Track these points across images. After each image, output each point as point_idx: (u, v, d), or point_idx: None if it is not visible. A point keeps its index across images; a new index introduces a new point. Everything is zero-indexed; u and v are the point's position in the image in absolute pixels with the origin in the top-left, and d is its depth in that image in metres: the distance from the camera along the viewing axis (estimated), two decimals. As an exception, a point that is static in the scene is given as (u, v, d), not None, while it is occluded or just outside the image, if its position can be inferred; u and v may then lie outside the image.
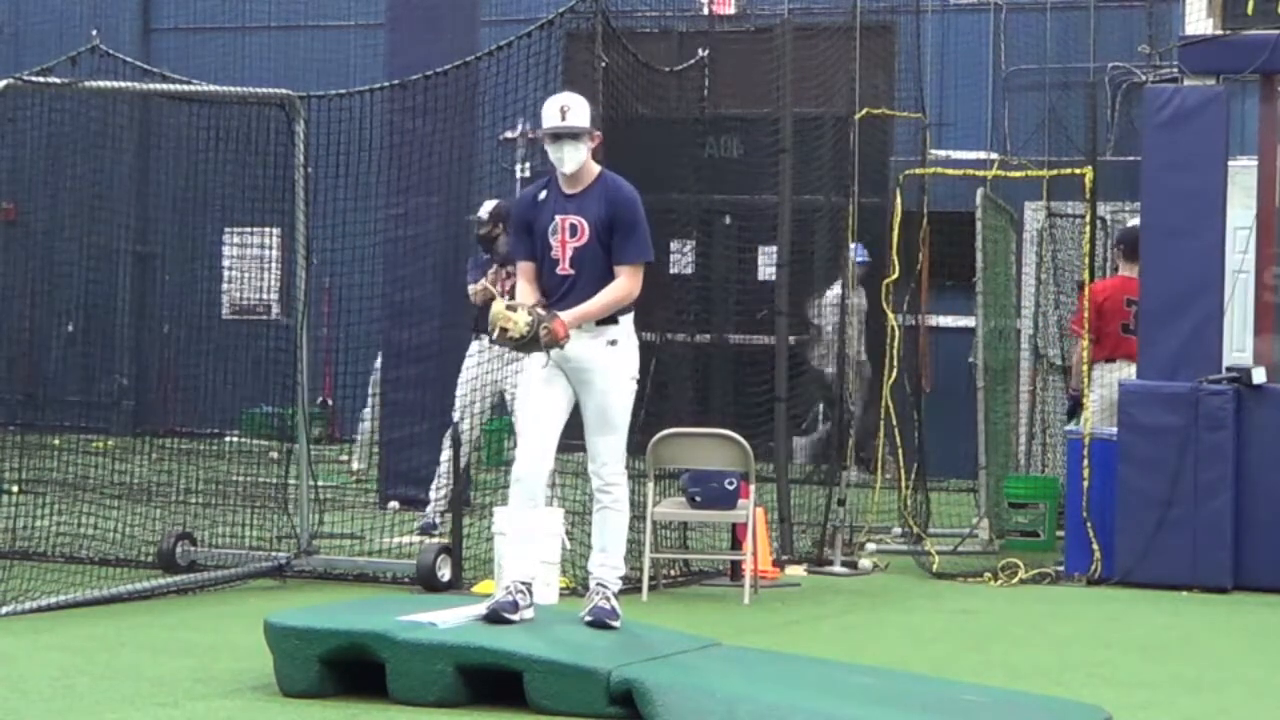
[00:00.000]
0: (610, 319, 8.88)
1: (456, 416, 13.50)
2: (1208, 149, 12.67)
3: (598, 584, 8.87)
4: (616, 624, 8.73)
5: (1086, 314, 13.48)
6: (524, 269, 9.11)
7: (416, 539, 13.21)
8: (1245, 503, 12.38)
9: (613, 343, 8.88)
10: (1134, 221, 14.69)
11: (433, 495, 13.77)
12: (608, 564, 8.94)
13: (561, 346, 8.75)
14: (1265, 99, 13.27)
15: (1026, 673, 9.50)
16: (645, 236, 8.97)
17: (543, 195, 9.04)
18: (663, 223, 15.39)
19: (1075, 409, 13.97)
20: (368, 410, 17.38)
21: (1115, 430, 12.89)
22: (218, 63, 21.40)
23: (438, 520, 13.51)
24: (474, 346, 13.87)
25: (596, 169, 9.04)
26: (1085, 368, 13.50)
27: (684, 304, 14.55)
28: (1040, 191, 17.60)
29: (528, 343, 8.76)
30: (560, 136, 8.95)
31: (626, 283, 8.85)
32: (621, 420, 8.93)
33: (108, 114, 15.48)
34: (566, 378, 8.89)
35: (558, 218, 8.91)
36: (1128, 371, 13.27)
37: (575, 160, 8.94)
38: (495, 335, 8.83)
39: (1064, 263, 17.30)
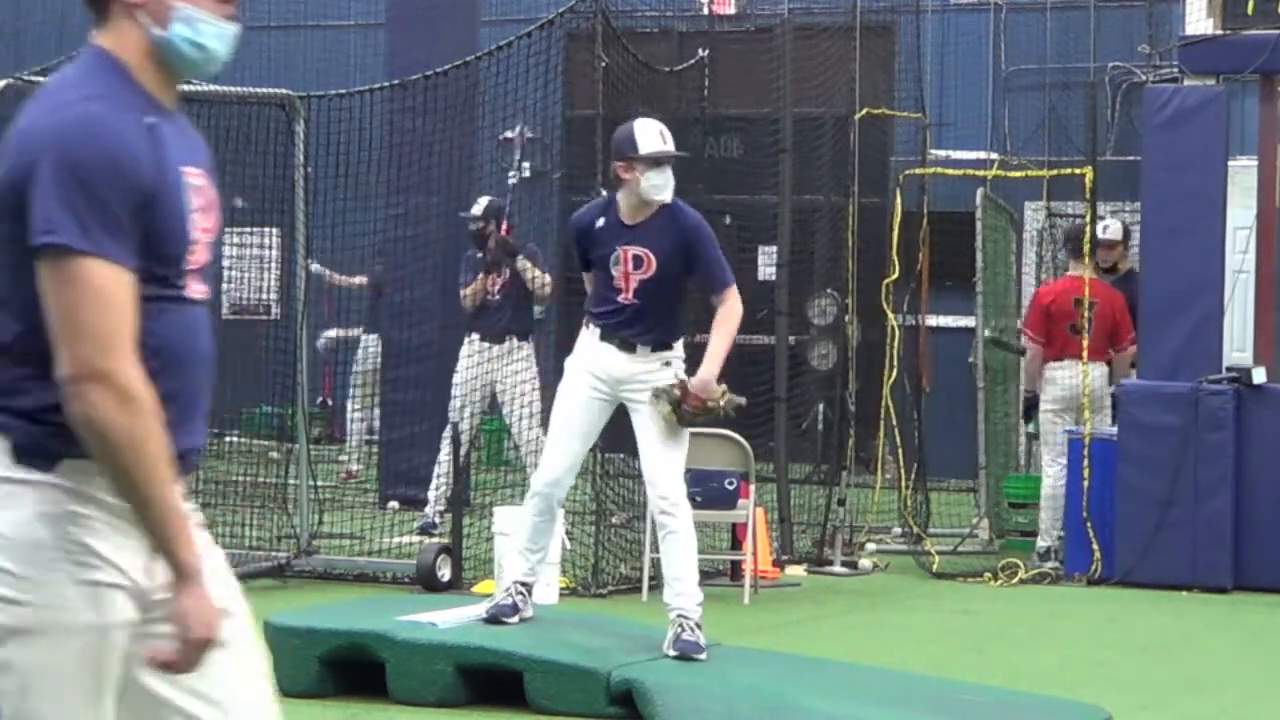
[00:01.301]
0: (666, 343, 8.74)
1: (453, 417, 13.51)
2: (1208, 149, 12.67)
3: (678, 615, 8.46)
4: (703, 656, 8.36)
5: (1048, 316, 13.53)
6: (589, 278, 8.96)
7: (416, 539, 13.21)
8: (1245, 503, 12.38)
9: (667, 364, 8.71)
10: (1130, 221, 14.71)
11: (431, 495, 13.78)
12: (684, 592, 8.52)
13: (721, 408, 8.71)
14: (1265, 99, 13.27)
15: (1026, 673, 9.50)
16: (722, 257, 8.89)
17: (601, 222, 8.81)
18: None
19: (1030, 410, 13.97)
20: (349, 402, 17.33)
21: (1115, 430, 12.90)
22: (218, 63, 21.37)
23: (437, 520, 13.51)
24: (466, 347, 13.86)
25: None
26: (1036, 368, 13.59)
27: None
28: (1040, 191, 17.62)
29: (686, 420, 8.69)
30: (662, 162, 8.74)
31: (736, 306, 8.74)
32: (680, 442, 8.68)
33: (108, 114, 15.49)
34: (609, 399, 8.74)
35: (619, 248, 8.70)
36: (1076, 370, 13.27)
37: (668, 191, 8.75)
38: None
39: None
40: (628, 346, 8.70)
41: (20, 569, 3.43)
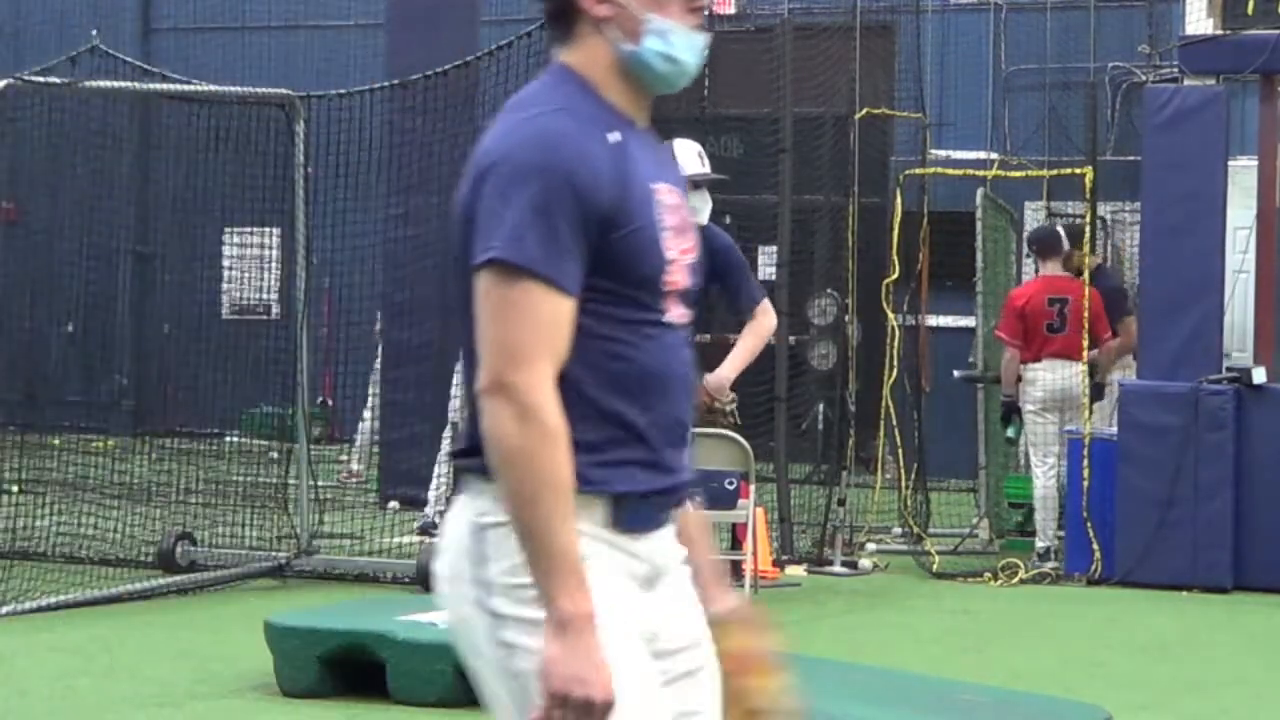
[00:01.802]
0: None
1: (453, 417, 13.51)
2: (1208, 149, 12.67)
3: None
4: None
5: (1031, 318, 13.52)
6: None
7: (416, 539, 13.21)
8: (1245, 503, 12.38)
9: None
10: (1131, 221, 14.70)
11: (431, 495, 13.77)
12: None
13: (726, 414, 8.65)
14: (1265, 99, 13.27)
15: (1026, 673, 9.50)
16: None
17: None
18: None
19: (1009, 416, 13.86)
20: (368, 411, 17.38)
21: (1115, 430, 12.91)
22: (218, 63, 21.40)
23: (438, 520, 13.51)
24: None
25: None
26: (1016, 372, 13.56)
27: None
28: (1040, 191, 17.63)
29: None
30: (700, 184, 8.68)
31: (772, 318, 8.73)
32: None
33: (108, 114, 15.51)
34: None
35: None
36: (1056, 369, 13.27)
37: (709, 210, 8.69)
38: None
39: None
40: None
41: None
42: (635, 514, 3.42)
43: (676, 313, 3.46)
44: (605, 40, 3.43)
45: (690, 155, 8.67)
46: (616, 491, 3.38)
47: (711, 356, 16.18)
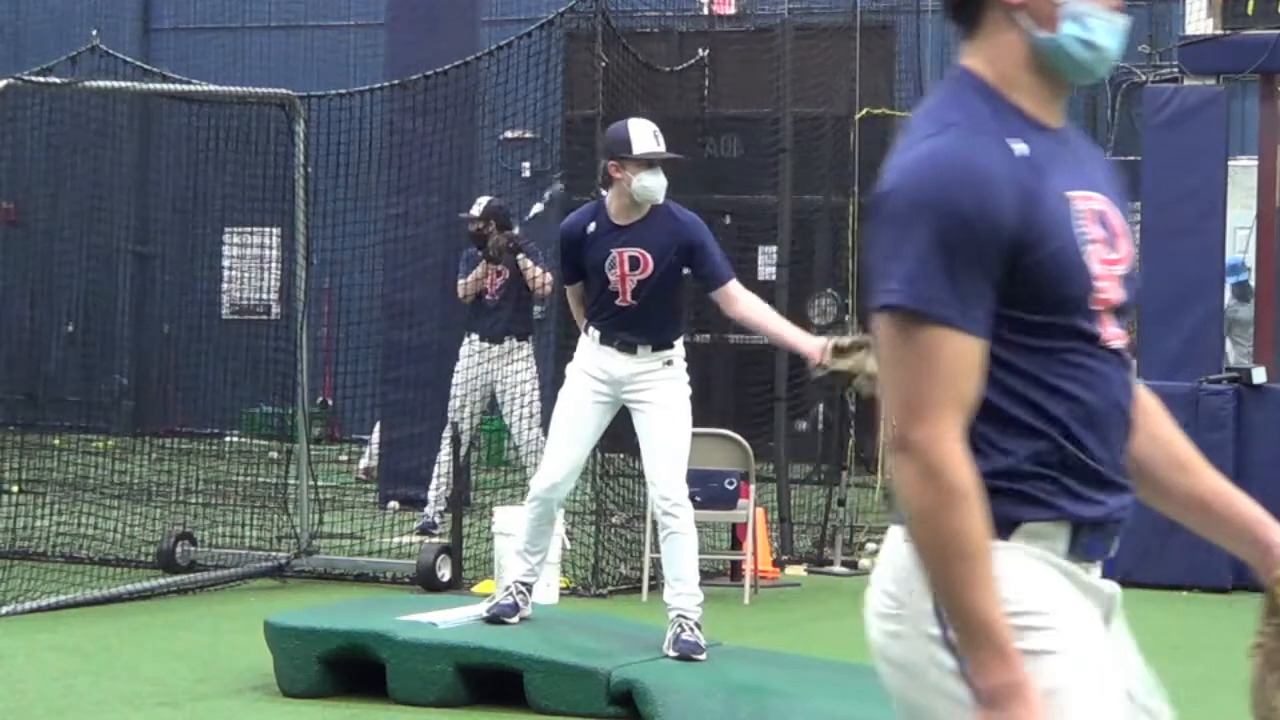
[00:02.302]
0: (666, 342, 8.71)
1: (453, 417, 13.50)
2: (1208, 149, 12.67)
3: (678, 615, 8.45)
4: (702, 656, 8.35)
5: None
6: (572, 291, 8.93)
7: (416, 539, 13.21)
8: (1245, 503, 12.36)
9: (669, 363, 8.68)
10: (1131, 221, 14.68)
11: (431, 495, 13.77)
12: (684, 592, 8.52)
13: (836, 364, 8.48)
14: (1265, 99, 13.27)
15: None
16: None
17: (592, 227, 8.75)
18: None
19: None
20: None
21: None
22: (218, 63, 21.40)
23: (437, 520, 13.51)
24: (465, 347, 13.84)
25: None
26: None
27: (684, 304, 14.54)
28: (1040, 191, 17.58)
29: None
30: (655, 163, 8.71)
31: (747, 296, 8.74)
32: (682, 442, 8.64)
33: (108, 114, 15.51)
34: (612, 401, 8.70)
35: (614, 251, 8.65)
36: None
37: (660, 191, 8.73)
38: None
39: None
40: (628, 348, 8.67)
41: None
42: (1091, 542, 3.28)
43: (1110, 333, 3.20)
44: (1018, 29, 3.15)
45: (645, 134, 8.70)
46: (1075, 518, 3.22)
47: (710, 356, 16.21)
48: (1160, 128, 12.81)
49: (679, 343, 8.82)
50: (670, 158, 8.88)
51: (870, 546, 13.90)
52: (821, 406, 16.51)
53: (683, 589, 8.53)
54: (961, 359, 3.03)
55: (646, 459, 8.69)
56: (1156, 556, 12.39)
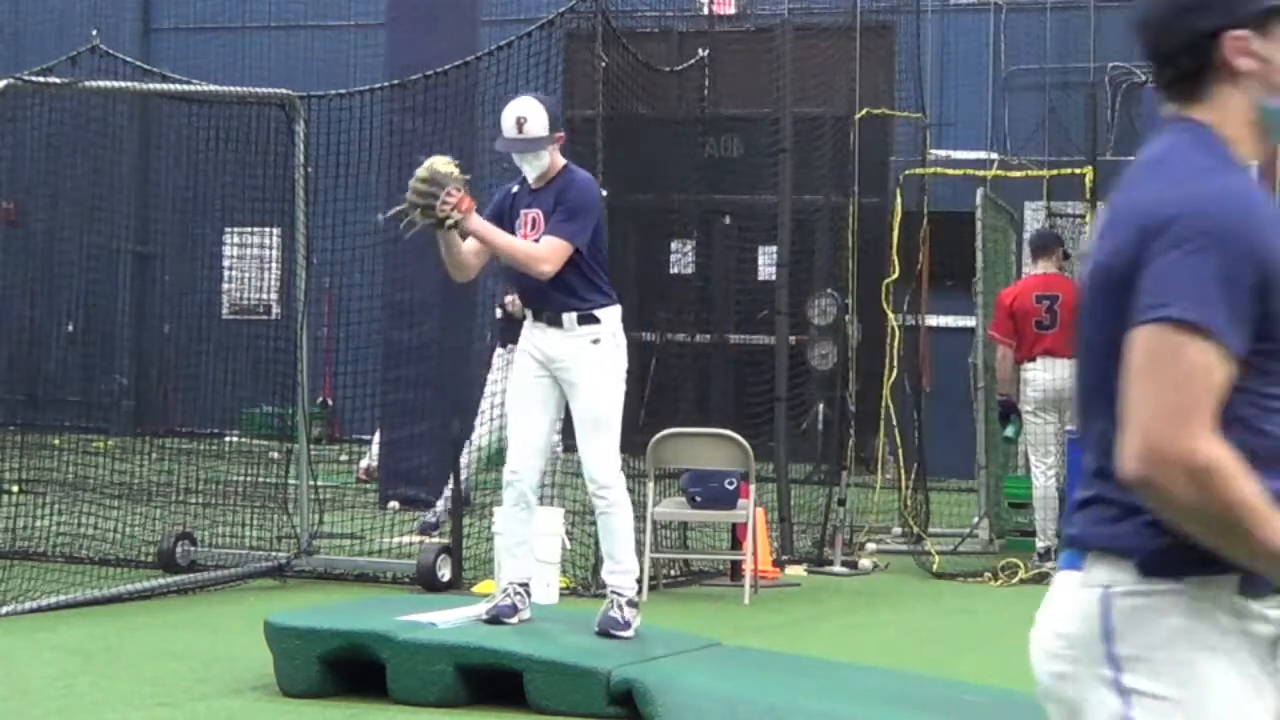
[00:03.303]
0: (591, 317, 8.71)
1: (477, 423, 13.49)
2: (1208, 149, 12.65)
3: (611, 592, 8.67)
4: (626, 634, 8.52)
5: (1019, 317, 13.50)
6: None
7: (416, 539, 13.20)
8: (1245, 503, 12.36)
9: (595, 341, 8.71)
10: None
11: (441, 504, 13.67)
12: (617, 570, 8.72)
13: (453, 223, 8.46)
14: (1265, 99, 13.27)
15: (1026, 673, 9.46)
16: (583, 224, 8.76)
17: (515, 189, 8.94)
18: (662, 223, 15.42)
19: (1007, 415, 13.81)
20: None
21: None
22: (218, 63, 21.41)
23: (439, 520, 13.48)
24: (498, 360, 13.69)
25: (561, 164, 8.89)
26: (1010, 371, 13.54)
27: (684, 304, 14.55)
28: (1040, 191, 17.61)
29: (425, 208, 8.47)
30: (524, 151, 8.85)
31: (536, 249, 8.63)
32: (609, 421, 8.73)
33: (108, 114, 15.51)
34: (550, 378, 8.77)
35: (523, 212, 8.80)
36: (1050, 368, 13.25)
37: (538, 168, 8.79)
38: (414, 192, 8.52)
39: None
40: (555, 321, 8.74)
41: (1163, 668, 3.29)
42: (1266, 581, 3.31)
43: None
44: (1244, 95, 3.38)
45: (506, 123, 8.81)
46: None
47: (710, 356, 16.22)
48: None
49: (608, 317, 8.77)
50: (520, 144, 8.85)
51: (870, 546, 13.92)
52: (821, 406, 16.52)
53: (615, 567, 8.75)
54: (1221, 377, 3.16)
55: (577, 437, 8.81)
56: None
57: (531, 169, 8.81)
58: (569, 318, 8.70)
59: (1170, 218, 3.21)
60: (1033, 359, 13.38)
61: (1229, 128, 3.39)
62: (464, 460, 13.02)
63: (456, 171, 8.58)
